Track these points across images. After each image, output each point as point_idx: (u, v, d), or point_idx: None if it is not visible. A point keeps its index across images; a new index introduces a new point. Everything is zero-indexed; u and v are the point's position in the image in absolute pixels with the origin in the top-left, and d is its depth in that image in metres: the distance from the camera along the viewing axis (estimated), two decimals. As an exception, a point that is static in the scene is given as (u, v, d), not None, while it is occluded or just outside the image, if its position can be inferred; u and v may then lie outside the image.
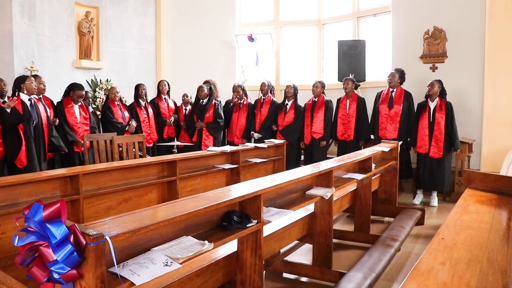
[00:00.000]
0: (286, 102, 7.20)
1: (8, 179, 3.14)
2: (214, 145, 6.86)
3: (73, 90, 6.17)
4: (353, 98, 6.91)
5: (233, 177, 5.00)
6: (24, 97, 5.47)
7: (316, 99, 7.09)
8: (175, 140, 6.76)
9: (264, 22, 9.73)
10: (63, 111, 6.07)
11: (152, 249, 1.93)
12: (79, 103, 6.24)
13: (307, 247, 4.31)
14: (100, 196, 3.55)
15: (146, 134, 6.95)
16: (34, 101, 5.55)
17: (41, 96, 5.93)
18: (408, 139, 6.57)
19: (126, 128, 6.68)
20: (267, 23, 9.68)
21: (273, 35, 9.33)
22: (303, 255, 4.24)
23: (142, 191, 3.91)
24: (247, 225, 2.48)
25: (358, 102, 6.88)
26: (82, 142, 5.93)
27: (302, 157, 7.45)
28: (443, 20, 7.33)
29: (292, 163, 6.91)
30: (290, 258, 3.98)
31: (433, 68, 7.45)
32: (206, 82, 7.59)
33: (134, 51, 9.39)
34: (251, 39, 9.09)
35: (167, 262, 1.84)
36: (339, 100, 7.06)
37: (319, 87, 7.05)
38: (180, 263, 1.87)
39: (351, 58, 7.88)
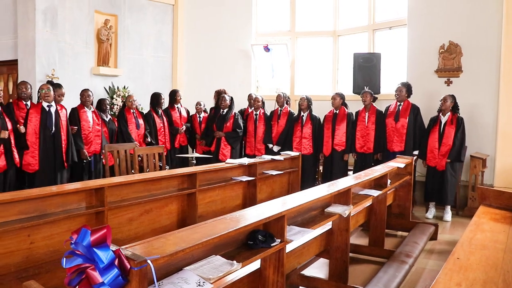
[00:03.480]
0: (302, 114, 7.25)
1: (37, 191, 3.24)
2: (231, 155, 6.97)
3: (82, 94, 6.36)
4: (372, 111, 6.95)
5: (250, 189, 5.09)
6: (44, 104, 5.61)
7: (337, 111, 7.11)
8: (193, 150, 6.87)
9: (280, 32, 9.83)
10: (78, 116, 6.22)
11: (184, 268, 2.01)
12: (92, 109, 6.37)
13: (322, 261, 4.37)
14: (123, 208, 3.64)
15: (161, 143, 7.08)
16: (56, 109, 5.68)
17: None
18: (417, 152, 6.62)
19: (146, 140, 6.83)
20: (283, 33, 9.78)
21: (288, 45, 9.42)
22: (318, 268, 4.30)
23: (162, 203, 4.00)
24: (272, 245, 2.55)
25: (377, 114, 6.92)
26: (86, 153, 6.06)
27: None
28: (459, 34, 7.36)
29: (310, 175, 6.99)
30: (306, 272, 4.04)
31: (448, 83, 7.49)
32: (218, 92, 7.70)
33: (151, 59, 9.51)
34: (267, 49, 9.18)
35: (199, 282, 1.91)
36: (357, 113, 7.10)
37: (337, 99, 7.09)
38: (212, 283, 1.95)
39: (366, 70, 7.95)
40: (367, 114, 6.95)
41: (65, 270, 3.33)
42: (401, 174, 5.50)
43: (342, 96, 7.18)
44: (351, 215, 4.03)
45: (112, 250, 1.56)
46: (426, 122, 6.76)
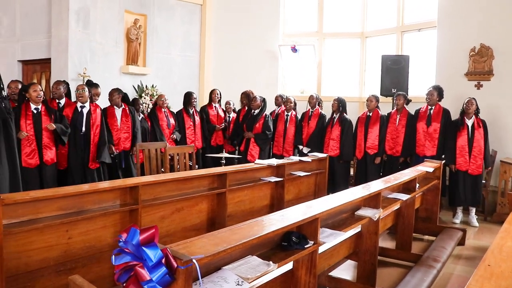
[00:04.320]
0: (334, 116, 7.22)
1: (76, 188, 3.35)
2: (259, 156, 7.01)
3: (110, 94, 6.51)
4: (403, 114, 6.89)
5: (278, 189, 5.13)
6: (78, 104, 5.75)
7: (370, 114, 7.06)
8: (223, 149, 6.96)
9: (307, 33, 9.85)
10: (106, 114, 6.36)
11: (223, 268, 2.07)
12: (122, 106, 6.49)
13: (349, 263, 4.40)
14: (156, 206, 3.72)
15: (190, 141, 7.18)
16: (89, 109, 5.81)
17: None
18: (443, 156, 6.56)
19: (172, 136, 6.92)
20: (311, 34, 9.80)
21: (316, 46, 9.43)
22: (345, 270, 4.32)
23: (193, 202, 4.07)
24: (305, 246, 2.60)
25: (408, 118, 6.86)
26: (113, 149, 6.19)
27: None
28: (490, 37, 7.27)
29: (342, 178, 6.99)
30: (334, 273, 4.07)
31: (478, 86, 7.40)
32: (243, 93, 7.77)
33: (178, 58, 9.63)
34: (294, 49, 9.22)
35: (238, 281, 1.97)
36: (389, 115, 7.04)
37: (373, 101, 7.02)
38: (250, 283, 2.00)
39: (394, 72, 7.90)
40: (398, 116, 6.90)
41: (99, 265, 3.46)
42: (429, 178, 5.48)
43: (377, 99, 7.11)
44: (380, 218, 4.05)
45: (160, 250, 1.63)
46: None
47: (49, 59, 7.90)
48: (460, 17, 7.56)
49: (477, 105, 6.35)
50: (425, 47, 8.49)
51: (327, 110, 7.54)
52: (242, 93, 7.95)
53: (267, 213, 4.96)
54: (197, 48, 9.89)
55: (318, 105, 7.53)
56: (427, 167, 5.34)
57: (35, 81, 8.15)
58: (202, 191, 4.15)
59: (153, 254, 1.58)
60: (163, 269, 1.58)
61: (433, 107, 6.64)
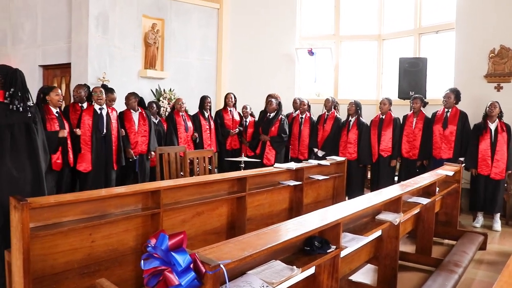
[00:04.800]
0: (350, 119, 7.22)
1: (99, 192, 3.40)
2: (275, 159, 7.04)
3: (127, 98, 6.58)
4: (420, 117, 6.85)
5: (297, 193, 5.14)
6: (95, 106, 5.83)
7: (383, 116, 7.05)
8: (242, 153, 6.98)
9: (324, 36, 9.84)
10: (123, 118, 6.43)
11: (248, 272, 2.09)
12: (139, 110, 6.55)
13: (369, 267, 4.38)
14: (177, 210, 3.75)
15: (207, 145, 7.23)
16: (107, 111, 5.89)
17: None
18: (462, 159, 6.48)
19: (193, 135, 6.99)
20: (327, 37, 9.79)
21: (332, 49, 9.42)
22: (364, 274, 4.31)
23: (213, 206, 4.09)
24: (328, 251, 2.60)
25: (425, 121, 6.82)
26: (132, 153, 6.25)
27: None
28: (510, 38, 7.19)
29: (358, 182, 6.98)
30: (354, 277, 4.06)
31: (498, 88, 7.33)
32: (269, 96, 7.78)
33: (196, 62, 9.69)
34: (311, 53, 9.22)
35: (263, 286, 1.99)
36: (405, 118, 7.01)
37: (386, 104, 7.01)
38: (274, 287, 2.01)
39: (412, 75, 7.87)
40: (415, 119, 6.86)
41: (121, 268, 3.50)
42: (449, 182, 5.43)
43: (390, 101, 7.10)
44: (400, 222, 4.03)
45: (188, 254, 1.65)
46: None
47: (69, 64, 8.01)
48: (479, 18, 7.48)
49: (500, 108, 6.29)
50: (443, 49, 8.42)
51: (344, 113, 7.54)
52: (269, 95, 7.96)
53: (286, 217, 5.01)
54: (214, 51, 9.94)
55: (334, 108, 7.53)
56: (447, 170, 5.31)
57: (55, 85, 8.26)
58: (222, 195, 4.18)
59: (182, 259, 1.61)
60: (192, 274, 1.61)
61: (450, 110, 6.59)
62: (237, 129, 7.74)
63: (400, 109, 7.34)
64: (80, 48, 7.77)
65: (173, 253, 1.63)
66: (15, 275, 2.85)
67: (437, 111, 6.79)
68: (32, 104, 3.92)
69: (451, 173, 5.22)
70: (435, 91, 8.10)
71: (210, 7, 9.84)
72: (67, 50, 8.08)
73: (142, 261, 1.78)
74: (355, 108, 7.12)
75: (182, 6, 9.46)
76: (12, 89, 3.72)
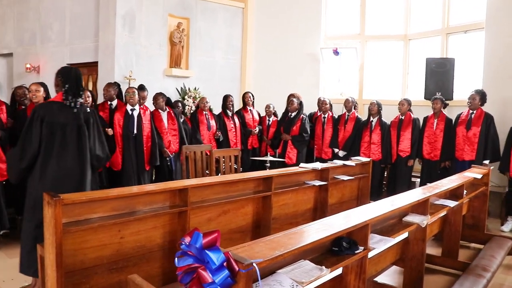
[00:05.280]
0: (371, 119, 7.20)
1: (129, 190, 3.45)
2: (297, 158, 7.05)
3: (155, 98, 6.65)
4: (441, 118, 6.80)
5: (322, 193, 5.12)
6: (128, 107, 5.92)
7: (402, 117, 7.04)
8: (261, 152, 7.00)
9: (349, 35, 9.79)
10: (153, 118, 6.49)
11: (277, 271, 2.10)
12: (167, 110, 6.61)
13: (394, 269, 4.35)
14: (203, 208, 3.78)
15: (233, 143, 7.26)
16: (139, 112, 5.96)
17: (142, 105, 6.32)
18: (487, 162, 6.37)
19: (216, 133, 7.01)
20: (352, 36, 9.73)
21: (358, 49, 9.36)
22: (389, 276, 4.29)
23: (239, 204, 4.11)
24: (355, 252, 2.60)
25: (446, 122, 6.77)
26: (168, 153, 6.31)
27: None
28: (542, 38, 7.04)
29: (376, 182, 6.94)
30: (379, 279, 4.04)
31: (529, 89, 7.17)
32: (291, 96, 7.77)
33: (221, 61, 9.75)
34: (336, 52, 9.18)
35: (293, 285, 2.00)
36: (426, 119, 6.97)
37: (405, 105, 7.01)
38: (304, 287, 2.02)
39: (439, 76, 7.78)
40: (436, 120, 6.80)
41: (149, 264, 3.55)
42: (477, 185, 5.35)
43: (409, 102, 7.12)
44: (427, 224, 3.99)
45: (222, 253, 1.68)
46: (501, 130, 6.50)
47: (96, 62, 8.16)
48: (509, 18, 7.32)
49: None
50: (471, 49, 8.27)
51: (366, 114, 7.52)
52: (291, 95, 7.95)
53: (310, 217, 5.01)
54: (239, 51, 9.99)
55: (354, 108, 7.52)
56: (475, 173, 5.22)
57: (82, 83, 8.40)
58: (248, 194, 4.19)
59: (216, 257, 1.63)
60: (226, 272, 1.63)
61: (474, 112, 6.50)
62: (257, 128, 7.76)
63: (426, 110, 7.25)
64: (107, 47, 7.89)
65: (207, 251, 1.65)
66: (48, 268, 2.92)
67: (461, 112, 6.71)
68: (83, 102, 4.05)
69: (479, 176, 5.14)
70: (463, 92, 7.97)
71: (235, 7, 9.90)
72: (94, 48, 8.22)
73: (176, 258, 1.81)
74: (377, 109, 7.11)
75: (208, 5, 9.53)
76: (66, 86, 3.89)
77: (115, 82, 6.60)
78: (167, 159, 6.32)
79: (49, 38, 8.88)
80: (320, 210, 5.13)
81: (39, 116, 3.79)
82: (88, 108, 4.13)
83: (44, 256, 3.03)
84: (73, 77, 3.95)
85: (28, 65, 9.01)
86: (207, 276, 1.64)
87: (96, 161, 4.12)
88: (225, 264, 1.66)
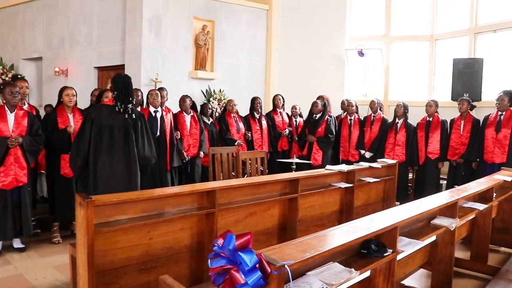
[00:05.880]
0: (397, 121, 7.16)
1: (158, 192, 3.52)
2: (323, 160, 7.04)
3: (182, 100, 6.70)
4: (468, 119, 6.70)
5: (347, 195, 5.11)
6: (151, 109, 6.00)
7: (430, 119, 6.97)
8: (291, 154, 7.02)
9: (374, 36, 9.72)
10: (176, 121, 6.56)
11: (307, 273, 2.12)
12: (191, 113, 6.68)
13: (422, 272, 4.31)
14: (231, 210, 3.82)
15: (258, 146, 7.30)
16: (162, 114, 6.04)
17: (164, 107, 6.38)
18: None
19: (236, 143, 7.03)
20: (378, 37, 9.66)
21: (383, 50, 9.29)
22: (417, 279, 4.24)
23: (266, 206, 4.14)
24: (384, 254, 2.60)
25: (473, 123, 6.67)
26: (185, 155, 6.37)
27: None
28: None
29: (401, 183, 6.88)
30: (406, 282, 4.00)
31: (559, 90, 7.00)
32: (320, 98, 7.77)
33: (245, 63, 9.78)
34: (361, 54, 9.14)
35: (322, 287, 2.01)
36: (452, 120, 6.89)
37: (433, 106, 6.94)
38: (333, 289, 2.03)
39: (467, 76, 7.66)
40: (462, 122, 6.71)
41: (177, 265, 3.60)
42: (507, 188, 5.25)
43: (437, 104, 7.05)
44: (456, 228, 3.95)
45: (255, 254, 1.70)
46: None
47: (123, 65, 8.28)
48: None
49: None
50: (501, 49, 8.11)
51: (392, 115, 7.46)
52: (319, 97, 7.96)
53: (336, 219, 5.00)
54: (263, 52, 10.01)
55: (380, 109, 7.47)
56: (505, 176, 5.13)
57: (109, 86, 8.54)
58: (274, 196, 4.21)
59: (249, 259, 1.66)
60: (258, 274, 1.66)
61: (503, 113, 6.38)
62: (287, 130, 7.78)
63: (453, 111, 7.15)
64: (134, 50, 8.01)
65: (240, 253, 1.68)
66: (79, 268, 2.98)
67: (490, 114, 6.58)
68: (132, 107, 4.31)
69: (509, 179, 5.05)
70: (492, 93, 7.82)
71: (259, 8, 9.92)
72: (121, 52, 8.35)
73: (209, 260, 1.84)
74: (403, 111, 7.07)
75: (232, 8, 9.57)
76: (115, 92, 4.25)
77: (139, 89, 6.68)
78: (183, 161, 6.38)
79: (77, 42, 9.05)
80: (346, 213, 5.12)
81: (90, 118, 4.20)
82: (136, 112, 4.39)
83: (75, 256, 3.10)
84: (122, 84, 4.27)
85: (56, 69, 9.20)
86: (240, 277, 1.67)
87: (144, 162, 4.40)
88: (257, 265, 1.69)
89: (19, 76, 6.11)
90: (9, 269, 4.51)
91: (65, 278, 4.28)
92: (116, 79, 4.35)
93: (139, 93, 6.41)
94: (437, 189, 6.66)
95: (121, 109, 4.24)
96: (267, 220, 4.18)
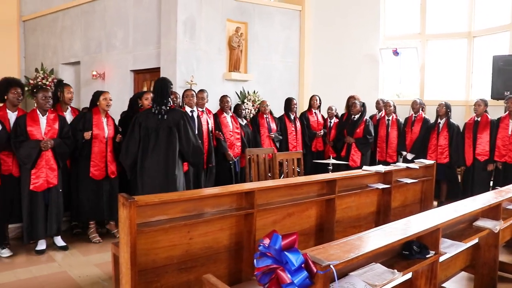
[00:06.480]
0: (439, 121, 7.00)
1: (198, 192, 3.58)
2: (361, 161, 6.98)
3: (221, 100, 6.76)
4: (518, 118, 6.47)
5: (385, 196, 5.05)
6: (187, 109, 6.08)
7: (478, 118, 6.71)
8: (325, 154, 6.99)
9: (409, 35, 9.58)
10: (219, 121, 6.61)
11: (350, 274, 2.11)
12: (230, 113, 6.73)
13: (463, 275, 4.22)
14: (269, 210, 3.84)
15: (292, 147, 7.30)
16: (198, 114, 6.12)
17: (204, 109, 6.46)
18: None
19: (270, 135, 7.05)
20: (413, 36, 9.52)
21: (418, 49, 9.14)
22: (458, 282, 4.16)
23: (303, 207, 4.14)
24: (426, 256, 2.57)
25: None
26: (232, 156, 6.41)
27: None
28: None
29: (447, 185, 6.76)
30: (447, 285, 3.93)
31: None
32: (351, 98, 7.72)
33: (279, 64, 9.79)
34: (396, 53, 9.02)
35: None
36: (499, 120, 6.60)
37: (481, 105, 6.67)
38: (376, 290, 2.03)
39: (508, 74, 7.46)
40: (511, 121, 6.49)
41: (215, 265, 3.64)
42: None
43: (486, 103, 6.74)
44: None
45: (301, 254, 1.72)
46: None
47: (158, 68, 8.41)
48: None
49: None
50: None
51: (430, 115, 7.31)
52: (350, 97, 7.91)
53: (373, 220, 4.96)
54: (297, 53, 9.99)
55: (422, 110, 7.33)
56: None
57: (145, 89, 8.70)
58: (312, 197, 4.21)
59: (295, 259, 1.68)
60: (304, 273, 1.67)
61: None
62: (322, 131, 7.76)
63: (493, 110, 6.98)
64: (169, 53, 8.13)
65: (286, 253, 1.70)
66: (122, 266, 3.05)
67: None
68: (167, 109, 4.54)
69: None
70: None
71: (292, 9, 9.92)
72: (157, 55, 8.48)
73: (255, 259, 1.86)
74: (446, 110, 6.88)
75: (265, 9, 9.60)
76: (153, 96, 4.58)
77: (175, 92, 6.76)
78: (230, 162, 6.43)
79: (113, 46, 9.25)
80: (383, 214, 5.06)
81: (137, 121, 4.54)
82: (178, 112, 4.63)
83: (118, 255, 3.17)
84: (158, 88, 4.59)
85: (94, 72, 9.42)
86: (286, 277, 1.68)
87: (190, 156, 4.63)
88: (303, 265, 1.70)
89: (63, 82, 6.27)
90: (54, 266, 4.68)
91: (107, 276, 4.40)
92: (155, 83, 4.66)
93: (205, 94, 6.56)
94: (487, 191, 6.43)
95: (156, 111, 4.50)
96: (304, 221, 4.18)
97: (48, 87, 7.05)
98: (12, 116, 5.04)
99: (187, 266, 3.40)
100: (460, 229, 3.28)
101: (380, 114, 7.80)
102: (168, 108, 4.53)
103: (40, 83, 9.81)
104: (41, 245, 5.07)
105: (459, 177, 7.27)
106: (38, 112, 4.97)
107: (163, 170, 4.44)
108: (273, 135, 7.30)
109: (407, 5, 9.64)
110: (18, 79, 5.55)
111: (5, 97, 5.10)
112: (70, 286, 4.22)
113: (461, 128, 6.93)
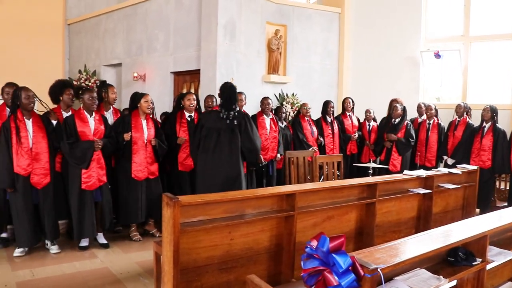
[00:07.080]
0: (484, 125, 6.81)
1: (240, 194, 3.61)
2: (401, 165, 6.88)
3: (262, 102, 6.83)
4: None
5: (425, 201, 4.96)
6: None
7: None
8: (361, 158, 6.93)
9: (451, 37, 9.37)
10: (256, 121, 6.64)
11: (395, 278, 2.10)
12: (270, 116, 6.75)
13: (510, 285, 4.10)
14: (309, 213, 3.84)
15: (329, 149, 7.27)
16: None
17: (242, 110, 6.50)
18: None
19: (310, 149, 7.02)
20: (455, 38, 9.31)
21: (461, 51, 8.94)
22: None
23: (343, 211, 4.12)
24: (473, 263, 2.52)
25: None
26: (262, 159, 6.43)
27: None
28: None
29: (485, 191, 6.57)
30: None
31: None
32: (393, 101, 7.62)
33: (317, 66, 9.76)
34: (437, 55, 8.85)
35: (411, 293, 1.99)
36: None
37: None
38: (422, 296, 2.01)
39: (557, 77, 7.20)
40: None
41: (255, 266, 3.67)
42: None
43: None
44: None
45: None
46: None
47: (198, 70, 8.52)
48: None
49: None
50: None
51: (474, 119, 7.13)
52: (393, 100, 7.82)
53: (413, 225, 4.88)
54: (336, 56, 9.94)
55: (467, 114, 7.15)
56: None
57: (184, 90, 8.83)
58: (352, 201, 4.18)
59: (342, 261, 1.69)
60: (352, 276, 1.68)
61: None
62: (357, 134, 7.70)
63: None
64: (209, 56, 8.23)
65: (334, 255, 1.71)
66: (165, 264, 3.12)
67: None
68: (235, 113, 4.83)
69: None
70: None
71: (331, 12, 9.89)
72: (197, 57, 8.60)
73: (302, 261, 1.88)
74: (491, 114, 6.68)
75: (304, 12, 9.59)
76: (221, 100, 4.86)
77: (212, 95, 6.82)
78: (260, 165, 6.45)
79: (154, 48, 9.44)
80: (423, 219, 4.98)
81: (201, 121, 4.92)
82: (241, 114, 4.89)
83: (160, 253, 3.25)
84: (226, 93, 4.86)
85: (135, 74, 9.64)
86: (333, 279, 1.69)
87: (249, 155, 4.91)
88: (350, 268, 1.71)
89: (107, 83, 6.45)
90: (96, 262, 4.84)
91: (147, 273, 4.51)
92: (223, 89, 4.92)
93: (243, 96, 6.69)
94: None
95: (224, 115, 4.77)
96: (344, 225, 4.16)
97: (92, 88, 7.26)
98: (66, 116, 5.25)
99: (227, 267, 3.45)
100: (507, 237, 3.19)
101: (421, 117, 7.67)
102: (235, 113, 4.81)
103: (83, 84, 10.11)
104: (85, 241, 5.23)
105: (502, 184, 7.06)
106: (86, 113, 5.13)
107: (227, 171, 4.69)
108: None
109: (449, 6, 9.43)
110: (70, 81, 5.77)
111: (60, 98, 5.31)
112: (111, 282, 4.36)
113: (508, 134, 6.72)
